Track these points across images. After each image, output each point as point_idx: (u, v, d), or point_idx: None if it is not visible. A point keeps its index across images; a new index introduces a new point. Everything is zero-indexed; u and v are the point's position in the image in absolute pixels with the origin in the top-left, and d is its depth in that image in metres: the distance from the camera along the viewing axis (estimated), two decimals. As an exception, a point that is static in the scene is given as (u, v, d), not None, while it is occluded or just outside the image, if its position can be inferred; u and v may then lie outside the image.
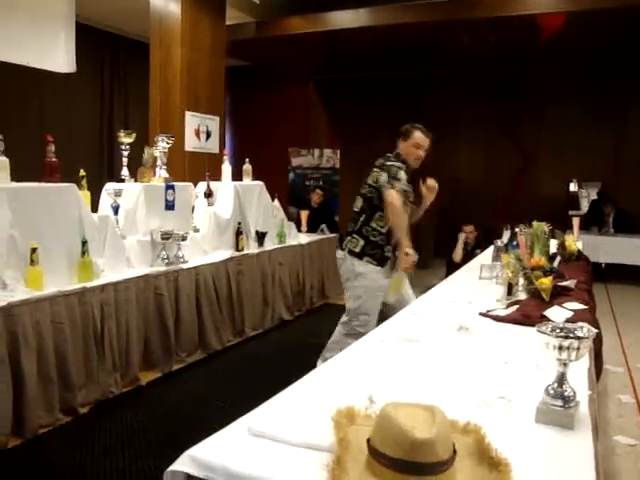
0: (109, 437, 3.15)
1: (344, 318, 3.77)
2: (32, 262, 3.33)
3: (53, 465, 2.85)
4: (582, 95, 9.01)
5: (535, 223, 3.48)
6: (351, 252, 3.63)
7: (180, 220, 4.71)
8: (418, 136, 3.64)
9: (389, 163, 3.53)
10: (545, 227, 3.44)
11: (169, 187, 4.63)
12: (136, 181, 4.53)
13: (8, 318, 3.03)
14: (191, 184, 5.11)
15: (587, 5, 6.22)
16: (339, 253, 3.74)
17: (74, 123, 7.93)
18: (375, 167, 3.59)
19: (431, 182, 3.68)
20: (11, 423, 3.00)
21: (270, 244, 5.72)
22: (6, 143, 3.44)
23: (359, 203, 3.67)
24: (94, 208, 4.19)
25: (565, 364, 1.45)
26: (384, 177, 3.47)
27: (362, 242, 3.61)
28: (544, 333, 1.45)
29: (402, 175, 3.47)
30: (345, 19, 7.37)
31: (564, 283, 2.90)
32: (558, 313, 2.42)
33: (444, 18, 6.87)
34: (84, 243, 3.67)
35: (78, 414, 3.39)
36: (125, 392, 3.77)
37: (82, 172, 4.02)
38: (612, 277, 7.88)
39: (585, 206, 8.92)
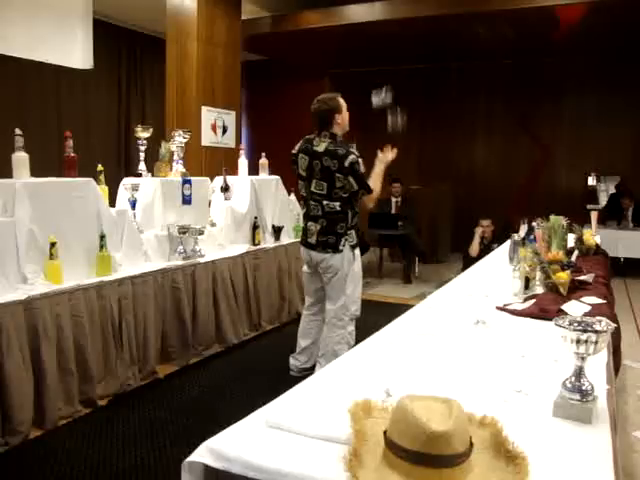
0: (127, 429, 3.19)
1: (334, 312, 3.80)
2: (51, 256, 3.37)
3: (73, 455, 2.89)
4: (600, 88, 8.89)
5: (552, 217, 3.45)
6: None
7: (197, 214, 4.74)
8: None
9: None
10: (563, 221, 3.41)
11: (186, 182, 4.65)
12: (153, 176, 4.56)
13: (28, 311, 3.08)
14: (208, 179, 5.13)
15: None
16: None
17: (92, 118, 8.01)
18: None
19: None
20: (32, 414, 3.06)
21: (286, 238, 5.74)
22: (25, 139, 3.48)
23: None
24: (112, 203, 4.22)
25: (583, 358, 1.44)
26: None
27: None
28: (562, 326, 1.44)
29: None
30: (360, 13, 7.34)
31: (582, 277, 2.88)
32: (576, 307, 2.40)
33: (460, 11, 6.81)
34: (102, 237, 3.71)
35: (97, 406, 3.44)
36: (143, 385, 3.81)
37: (100, 167, 4.05)
38: (631, 272, 7.79)
39: (603, 200, 8.83)
